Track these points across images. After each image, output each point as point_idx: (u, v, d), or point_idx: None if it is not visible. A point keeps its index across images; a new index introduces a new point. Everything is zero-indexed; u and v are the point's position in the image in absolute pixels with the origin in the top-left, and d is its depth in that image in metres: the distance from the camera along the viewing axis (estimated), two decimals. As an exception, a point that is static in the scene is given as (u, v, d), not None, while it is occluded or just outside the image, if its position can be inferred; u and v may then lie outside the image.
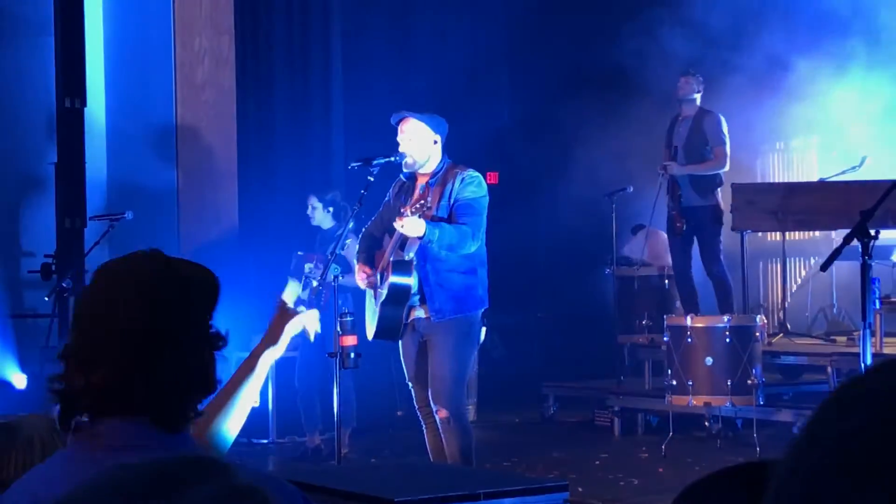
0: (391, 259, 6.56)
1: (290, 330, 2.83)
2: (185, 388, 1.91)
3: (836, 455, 0.85)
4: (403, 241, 6.55)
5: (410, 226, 6.35)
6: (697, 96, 9.97)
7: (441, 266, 6.53)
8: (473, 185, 6.59)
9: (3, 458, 2.78)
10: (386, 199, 6.89)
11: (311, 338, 2.99)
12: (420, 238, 6.40)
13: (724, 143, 9.81)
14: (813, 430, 0.89)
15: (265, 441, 9.66)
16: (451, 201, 6.55)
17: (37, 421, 2.87)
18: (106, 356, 1.89)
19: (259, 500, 1.00)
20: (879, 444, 0.84)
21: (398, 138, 6.70)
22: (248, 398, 2.66)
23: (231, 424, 2.62)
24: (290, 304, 2.90)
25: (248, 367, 2.71)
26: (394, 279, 6.52)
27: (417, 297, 6.55)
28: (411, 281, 6.51)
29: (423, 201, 6.42)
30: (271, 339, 2.79)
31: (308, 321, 2.89)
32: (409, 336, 6.64)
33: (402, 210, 6.47)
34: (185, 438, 1.92)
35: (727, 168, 9.85)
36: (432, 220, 6.44)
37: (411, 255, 6.52)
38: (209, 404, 2.59)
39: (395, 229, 6.54)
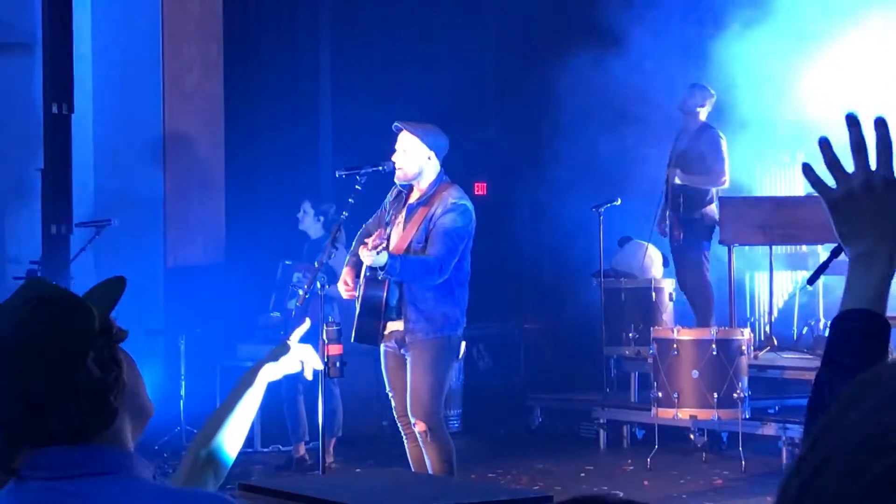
0: (366, 275, 6.50)
1: (292, 356, 2.83)
2: (70, 405, 1.95)
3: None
4: None
5: (372, 261, 6.26)
6: (701, 110, 9.93)
7: (416, 285, 6.48)
8: (455, 213, 6.45)
9: None
10: (384, 202, 6.81)
11: (309, 375, 2.99)
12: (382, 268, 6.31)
13: (723, 161, 9.81)
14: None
15: (249, 450, 9.62)
16: (431, 225, 6.48)
17: None
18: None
19: None
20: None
21: (396, 146, 6.64)
22: (246, 411, 2.66)
23: (229, 438, 2.61)
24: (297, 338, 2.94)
25: (247, 380, 2.71)
26: (366, 294, 6.50)
27: (394, 312, 6.50)
28: (383, 296, 6.45)
29: (379, 241, 6.30)
30: (273, 356, 2.81)
31: (310, 356, 2.89)
32: (388, 347, 6.61)
33: (364, 241, 6.38)
34: (81, 451, 1.97)
35: (727, 186, 9.86)
36: (398, 254, 6.37)
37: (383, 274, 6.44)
38: (208, 419, 2.61)
39: (389, 226, 6.51)
